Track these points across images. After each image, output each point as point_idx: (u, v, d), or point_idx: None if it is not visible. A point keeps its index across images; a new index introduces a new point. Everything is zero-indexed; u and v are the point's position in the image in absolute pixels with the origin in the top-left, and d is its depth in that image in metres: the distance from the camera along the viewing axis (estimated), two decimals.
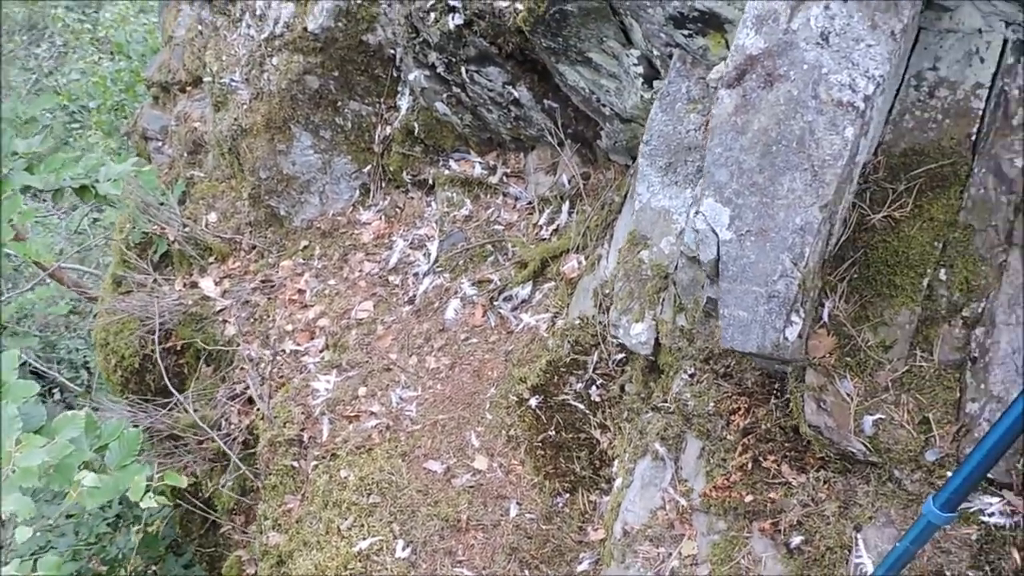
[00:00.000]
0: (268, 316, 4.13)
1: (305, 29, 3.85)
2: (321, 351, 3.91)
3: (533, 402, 3.08)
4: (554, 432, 3.01)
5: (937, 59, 2.08)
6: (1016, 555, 1.84)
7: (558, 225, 3.70)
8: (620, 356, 2.97)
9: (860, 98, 1.83)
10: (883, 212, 2.06)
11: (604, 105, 3.27)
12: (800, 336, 1.89)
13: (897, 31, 1.86)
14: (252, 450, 3.84)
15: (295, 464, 3.47)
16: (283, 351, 3.95)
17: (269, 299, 4.19)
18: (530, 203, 3.85)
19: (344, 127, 4.13)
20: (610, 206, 3.40)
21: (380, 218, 4.24)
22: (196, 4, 4.63)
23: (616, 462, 2.81)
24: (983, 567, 1.86)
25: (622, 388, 2.92)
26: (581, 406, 3.00)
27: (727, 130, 1.92)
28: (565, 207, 3.68)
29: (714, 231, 1.92)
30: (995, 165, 1.95)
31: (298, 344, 3.96)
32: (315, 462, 3.43)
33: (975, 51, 2.03)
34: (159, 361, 3.97)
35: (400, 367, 3.67)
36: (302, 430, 3.54)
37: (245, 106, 4.10)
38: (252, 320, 4.17)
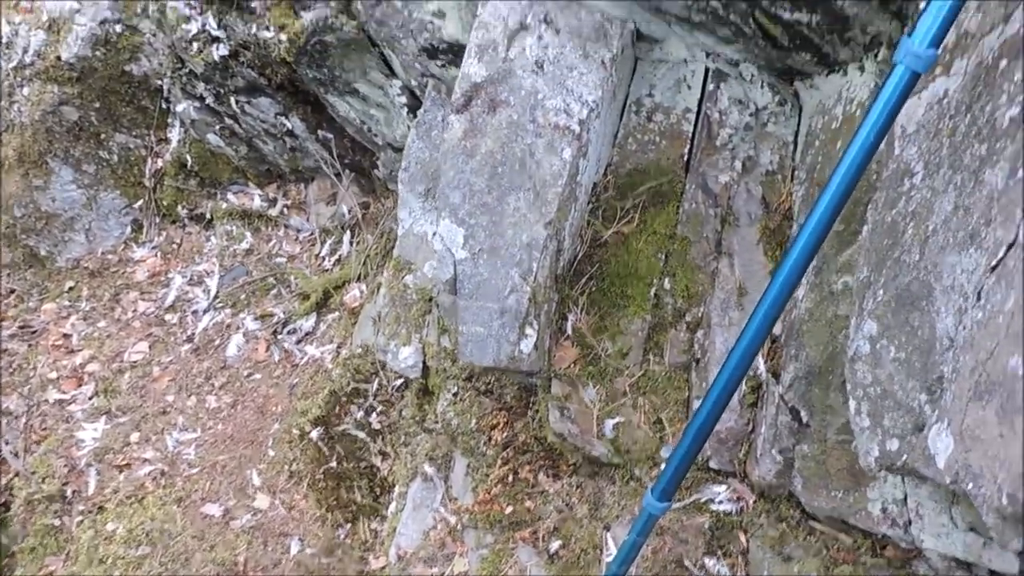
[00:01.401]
0: (29, 364, 3.79)
1: (59, 58, 3.61)
2: (90, 398, 3.63)
3: (314, 434, 3.01)
4: (336, 463, 2.96)
5: (652, 86, 2.26)
6: (742, 537, 2.00)
7: (340, 255, 3.67)
8: (399, 382, 2.97)
9: (575, 121, 1.95)
10: (613, 228, 2.21)
11: (376, 135, 3.29)
12: (536, 348, 1.98)
13: (607, 60, 2.01)
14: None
15: (56, 522, 3.19)
16: (45, 401, 3.63)
17: (30, 346, 3.85)
18: (312, 234, 3.80)
19: (110, 160, 3.89)
20: (388, 234, 3.42)
21: (155, 255, 4.03)
22: None
23: (396, 487, 2.79)
24: (716, 552, 2.01)
25: (400, 413, 2.92)
26: (362, 435, 2.97)
27: (458, 153, 1.99)
28: (346, 237, 3.66)
29: (450, 251, 1.98)
30: (703, 181, 2.15)
31: (63, 392, 3.66)
32: (80, 517, 3.17)
33: (683, 79, 2.23)
34: None
35: (178, 409, 3.48)
36: (65, 484, 3.27)
37: None
38: (11, 370, 3.81)
